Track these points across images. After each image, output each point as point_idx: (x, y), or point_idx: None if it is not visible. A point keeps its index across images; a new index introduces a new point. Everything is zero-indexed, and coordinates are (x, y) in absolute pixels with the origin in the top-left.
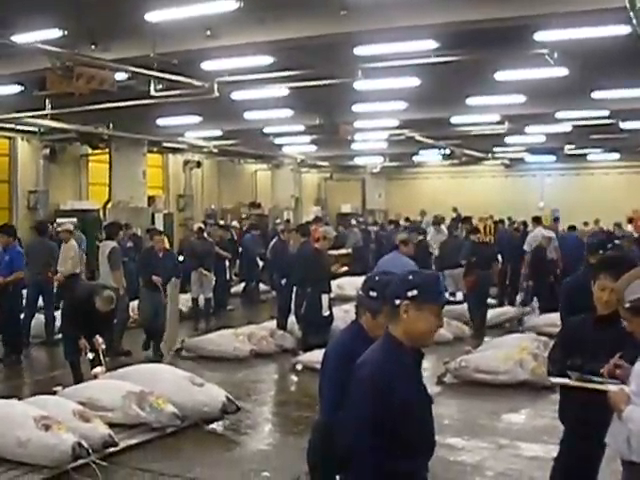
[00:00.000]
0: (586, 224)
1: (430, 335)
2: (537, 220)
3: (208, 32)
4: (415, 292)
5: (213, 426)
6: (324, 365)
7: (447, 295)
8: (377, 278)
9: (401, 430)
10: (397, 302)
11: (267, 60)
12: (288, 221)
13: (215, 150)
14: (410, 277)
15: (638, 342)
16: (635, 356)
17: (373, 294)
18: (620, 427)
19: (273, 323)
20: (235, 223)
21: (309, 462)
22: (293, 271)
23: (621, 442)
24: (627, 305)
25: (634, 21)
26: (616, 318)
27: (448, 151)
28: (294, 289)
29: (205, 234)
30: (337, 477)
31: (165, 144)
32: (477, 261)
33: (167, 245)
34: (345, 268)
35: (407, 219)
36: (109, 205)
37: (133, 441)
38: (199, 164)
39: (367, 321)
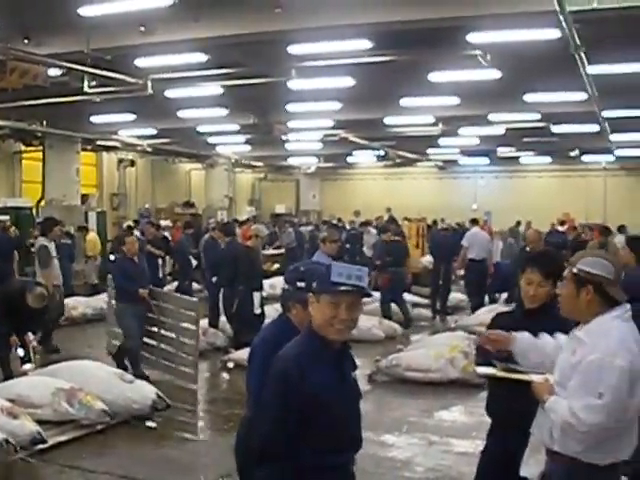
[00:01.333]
0: (519, 223)
1: (329, 326)
2: (474, 221)
3: (142, 28)
4: (314, 285)
5: (148, 424)
6: (250, 360)
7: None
8: (303, 268)
9: (317, 424)
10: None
11: (201, 58)
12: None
13: (149, 149)
14: (302, 268)
15: (565, 333)
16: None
17: (301, 284)
18: (545, 417)
19: (205, 321)
20: (168, 222)
21: (237, 458)
22: (221, 269)
23: (545, 432)
24: (574, 270)
25: (564, 25)
26: (543, 312)
27: (382, 152)
28: (222, 287)
29: (137, 232)
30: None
31: (99, 142)
32: (390, 259)
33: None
34: (277, 266)
35: (339, 219)
36: (42, 203)
37: (62, 438)
38: (133, 163)
39: (298, 314)
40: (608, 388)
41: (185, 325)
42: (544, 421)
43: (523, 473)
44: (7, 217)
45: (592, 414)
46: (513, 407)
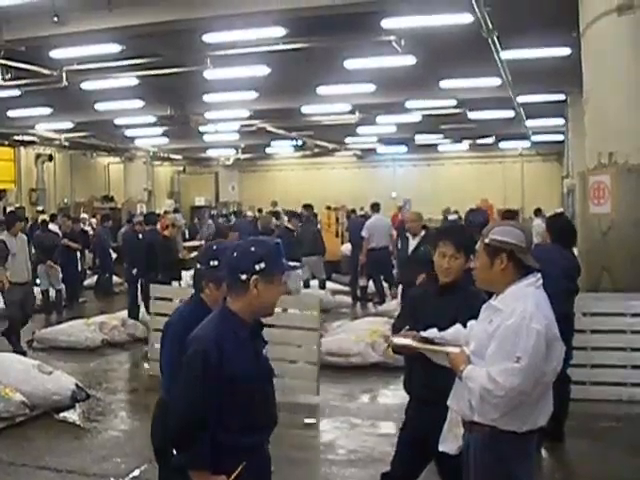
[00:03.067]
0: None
1: (275, 304)
2: (375, 207)
3: (56, 18)
4: (263, 265)
5: (64, 414)
6: (162, 341)
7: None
8: (216, 247)
9: (235, 405)
10: (243, 277)
11: (116, 48)
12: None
13: (66, 143)
14: (253, 249)
15: (477, 307)
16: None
17: (214, 263)
18: (462, 389)
19: (125, 313)
20: (85, 215)
21: (154, 441)
22: (140, 260)
23: (464, 403)
24: (486, 240)
25: (476, 9)
26: (457, 286)
27: (300, 142)
28: (140, 278)
29: (54, 227)
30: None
31: (16, 137)
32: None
33: None
34: (194, 253)
35: (259, 210)
36: None
37: None
38: (51, 157)
39: (211, 293)
40: (525, 352)
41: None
42: (462, 393)
43: (442, 448)
44: None
45: (510, 377)
46: (431, 383)
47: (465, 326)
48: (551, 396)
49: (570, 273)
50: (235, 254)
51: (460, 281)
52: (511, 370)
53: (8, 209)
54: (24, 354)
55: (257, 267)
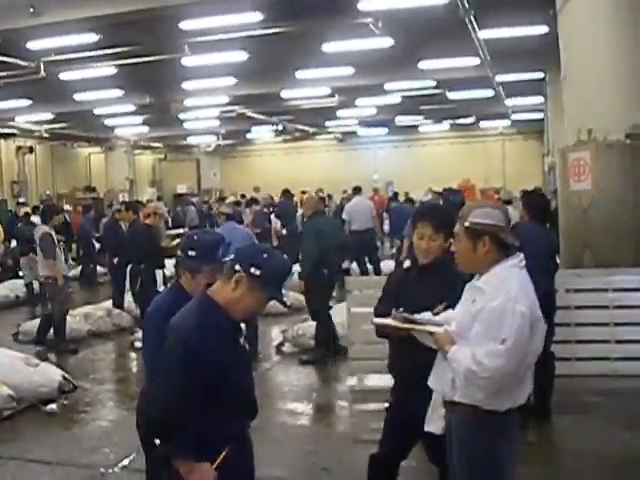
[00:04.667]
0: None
1: (245, 315)
2: (356, 190)
3: (31, 9)
4: (257, 272)
5: (51, 406)
6: (145, 329)
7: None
8: (196, 237)
9: (217, 394)
10: (237, 267)
11: (92, 37)
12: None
13: (47, 135)
14: (264, 255)
15: (459, 288)
16: (456, 302)
17: (192, 253)
18: (444, 369)
19: (110, 303)
20: (68, 207)
21: (139, 431)
22: (125, 249)
23: (445, 383)
24: (466, 224)
25: None
26: (437, 266)
27: (281, 127)
28: (128, 267)
29: (36, 219)
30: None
31: None
32: None
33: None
34: (177, 241)
35: (242, 195)
36: None
37: None
38: (32, 149)
39: (187, 281)
40: (510, 333)
41: None
42: (443, 373)
43: (427, 428)
44: None
45: (495, 359)
46: (414, 363)
47: (452, 305)
48: (531, 375)
49: (550, 251)
50: (249, 247)
51: (440, 261)
52: (496, 352)
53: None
54: (75, 351)
55: (252, 270)
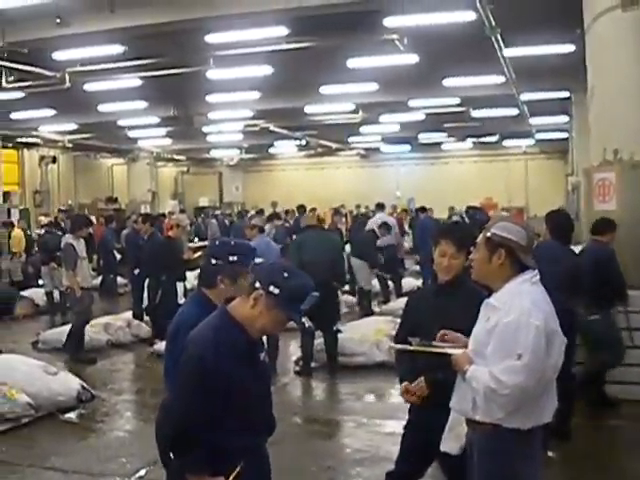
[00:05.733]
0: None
1: (262, 334)
2: (380, 206)
3: (58, 20)
4: (276, 291)
5: (69, 415)
6: (168, 341)
7: None
8: (233, 243)
9: (232, 409)
10: (256, 285)
11: (118, 49)
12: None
13: (70, 144)
14: (285, 274)
15: (478, 306)
16: (475, 320)
17: (233, 258)
18: (465, 389)
19: (129, 314)
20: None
21: (158, 442)
22: (144, 261)
23: (466, 403)
24: (488, 234)
25: (478, 6)
26: (457, 284)
27: (304, 142)
28: (144, 279)
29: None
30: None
31: (20, 139)
32: None
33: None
34: (199, 254)
35: (260, 211)
36: None
37: None
38: (55, 159)
39: (226, 289)
40: (526, 348)
41: None
42: (464, 393)
43: (443, 448)
44: None
45: (513, 375)
46: (432, 379)
47: (468, 324)
48: (554, 392)
49: (572, 270)
50: (270, 265)
51: (460, 279)
52: (513, 367)
53: (13, 211)
54: (94, 361)
55: (271, 288)
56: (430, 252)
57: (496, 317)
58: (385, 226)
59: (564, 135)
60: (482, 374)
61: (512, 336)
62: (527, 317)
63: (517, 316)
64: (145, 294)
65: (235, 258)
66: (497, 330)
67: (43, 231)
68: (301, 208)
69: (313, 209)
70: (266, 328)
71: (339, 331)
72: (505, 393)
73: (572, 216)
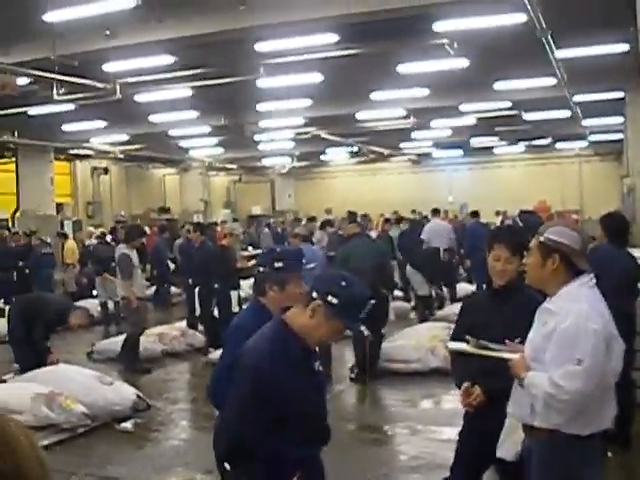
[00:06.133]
0: (498, 213)
1: (320, 343)
2: (435, 212)
3: (107, 32)
4: (335, 301)
5: (125, 424)
6: (223, 348)
7: None
8: (279, 250)
9: (288, 420)
10: (314, 295)
11: (168, 59)
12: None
13: (121, 155)
14: (342, 283)
15: (533, 311)
16: (530, 325)
17: (279, 265)
18: (522, 394)
19: (184, 323)
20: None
21: (215, 452)
22: (195, 269)
23: (524, 408)
24: (541, 238)
25: (529, 8)
26: (512, 288)
27: (355, 148)
28: (196, 287)
29: (108, 239)
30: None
31: (71, 151)
32: None
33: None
34: (253, 262)
35: (311, 218)
36: (17, 214)
37: (44, 442)
38: (107, 170)
39: (275, 296)
40: (586, 353)
41: None
42: (522, 398)
43: (499, 454)
44: None
45: (572, 381)
46: (487, 387)
47: (523, 329)
48: (614, 398)
49: (628, 273)
50: (327, 274)
51: (515, 284)
52: (573, 373)
53: (65, 222)
54: (148, 371)
55: (329, 298)
56: (481, 257)
57: (553, 322)
58: (450, 252)
59: (618, 136)
60: (541, 380)
61: (571, 341)
62: (585, 321)
63: (575, 321)
64: (196, 303)
65: (280, 264)
66: (555, 335)
67: (95, 242)
68: (351, 215)
69: (364, 215)
70: (325, 338)
71: (383, 336)
72: (565, 399)
73: (628, 218)
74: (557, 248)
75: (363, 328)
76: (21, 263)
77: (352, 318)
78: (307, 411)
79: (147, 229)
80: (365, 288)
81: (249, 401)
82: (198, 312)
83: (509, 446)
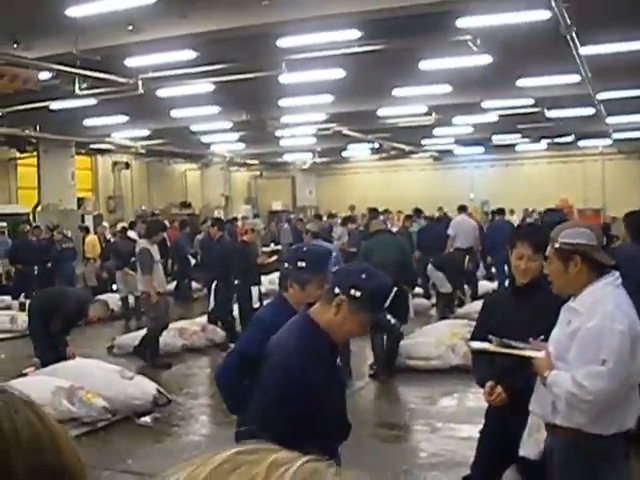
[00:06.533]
0: (512, 212)
1: (346, 338)
2: (462, 208)
3: (130, 27)
4: (358, 294)
5: (145, 419)
6: (241, 337)
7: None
8: (305, 249)
9: (313, 415)
10: (336, 291)
11: (190, 55)
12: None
13: (143, 150)
14: (363, 276)
15: (556, 310)
16: (553, 324)
17: (302, 264)
18: (545, 392)
19: (204, 318)
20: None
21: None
22: (213, 264)
23: (546, 406)
24: (557, 245)
25: (553, 4)
26: (534, 286)
27: (377, 145)
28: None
29: (133, 234)
30: None
31: (93, 145)
32: None
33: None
34: (274, 257)
35: (331, 215)
36: (39, 208)
37: None
38: (128, 165)
39: (295, 293)
40: (610, 353)
41: None
42: (544, 397)
43: (522, 453)
44: (4, 224)
45: (596, 381)
46: (510, 386)
47: (546, 327)
48: (637, 398)
49: None
50: (347, 268)
51: (538, 282)
52: (597, 373)
53: (86, 217)
54: (169, 366)
55: (352, 292)
56: (503, 255)
57: (578, 321)
58: (473, 253)
59: None
60: (564, 379)
61: (596, 341)
62: (611, 322)
63: (600, 321)
64: (211, 297)
65: (303, 264)
66: (579, 335)
67: (111, 237)
68: (373, 211)
69: (385, 210)
70: (352, 332)
71: (402, 333)
72: (588, 399)
73: None
74: (575, 250)
75: (390, 317)
76: (44, 257)
77: (377, 309)
78: (331, 405)
79: (167, 223)
80: (386, 277)
81: (278, 397)
82: (212, 306)
83: (532, 445)
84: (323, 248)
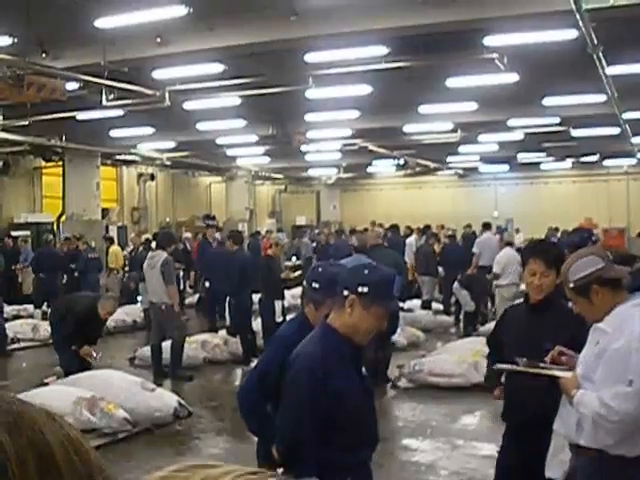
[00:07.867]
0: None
1: (368, 336)
2: (485, 226)
3: (158, 39)
4: (365, 289)
5: (165, 431)
6: (262, 355)
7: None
8: (320, 269)
9: (339, 421)
10: (345, 293)
11: (218, 68)
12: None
13: (168, 162)
14: (365, 271)
15: (573, 324)
16: (570, 341)
17: (316, 285)
18: (570, 412)
19: (224, 332)
20: (189, 234)
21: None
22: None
23: (570, 426)
24: (571, 285)
25: (580, 24)
26: (549, 303)
27: (402, 161)
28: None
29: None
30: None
31: (118, 156)
32: None
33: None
34: (298, 272)
35: (352, 230)
36: (63, 218)
37: None
38: (153, 177)
39: (310, 312)
40: (637, 374)
41: None
42: (568, 417)
43: (547, 474)
44: (28, 232)
45: (623, 402)
46: (528, 410)
47: (561, 343)
48: None
49: None
50: (350, 270)
51: (552, 298)
52: (624, 394)
53: (111, 228)
54: (190, 378)
55: (360, 289)
56: None
57: (605, 342)
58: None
59: None
60: (590, 399)
61: (622, 362)
62: (638, 342)
63: (628, 341)
64: (226, 313)
65: (317, 286)
66: (607, 355)
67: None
68: (394, 227)
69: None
70: (371, 328)
71: (394, 344)
72: (615, 420)
73: None
74: (589, 281)
75: (399, 303)
76: (71, 267)
77: (386, 298)
78: (358, 412)
79: (188, 234)
80: (386, 268)
81: (305, 404)
82: (228, 322)
83: (556, 466)
84: (337, 269)
